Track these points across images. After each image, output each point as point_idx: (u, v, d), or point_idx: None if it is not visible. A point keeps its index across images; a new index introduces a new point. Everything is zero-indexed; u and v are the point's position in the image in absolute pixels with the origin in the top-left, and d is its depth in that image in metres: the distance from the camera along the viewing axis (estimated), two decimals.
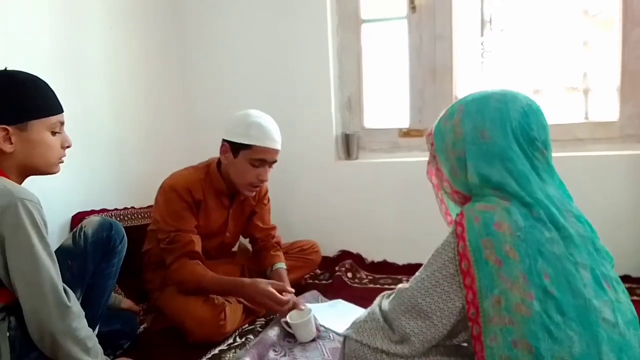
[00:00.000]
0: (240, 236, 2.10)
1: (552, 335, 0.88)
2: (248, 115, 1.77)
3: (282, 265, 1.97)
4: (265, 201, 2.05)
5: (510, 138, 1.00)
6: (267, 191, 2.05)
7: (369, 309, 1.14)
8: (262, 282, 1.69)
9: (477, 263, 0.94)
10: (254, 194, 1.90)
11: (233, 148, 1.75)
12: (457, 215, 1.01)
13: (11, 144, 1.18)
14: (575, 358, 0.87)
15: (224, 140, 1.78)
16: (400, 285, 1.09)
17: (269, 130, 1.76)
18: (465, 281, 0.96)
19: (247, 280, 1.74)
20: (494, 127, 1.01)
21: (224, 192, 1.87)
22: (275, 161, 1.81)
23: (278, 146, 1.78)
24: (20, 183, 1.23)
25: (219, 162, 1.85)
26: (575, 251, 0.95)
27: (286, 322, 1.64)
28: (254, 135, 1.72)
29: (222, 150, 1.79)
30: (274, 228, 2.07)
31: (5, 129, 1.17)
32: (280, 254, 2.03)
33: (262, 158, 1.75)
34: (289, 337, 1.63)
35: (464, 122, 1.05)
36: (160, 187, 1.82)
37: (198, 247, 1.75)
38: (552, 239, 0.95)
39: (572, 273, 0.93)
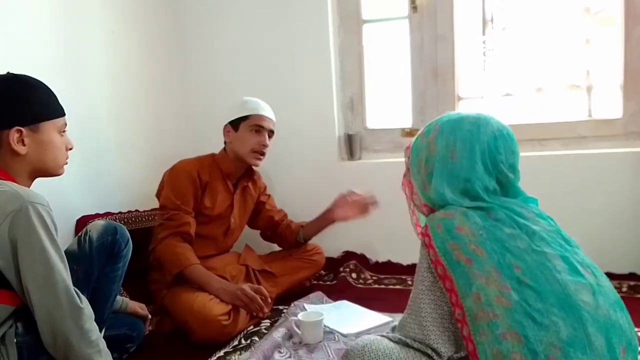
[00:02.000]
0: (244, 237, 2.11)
1: (537, 321, 0.91)
2: (241, 98, 2.01)
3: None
4: (267, 194, 2.20)
5: (475, 160, 1.08)
6: (265, 187, 2.19)
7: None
8: (242, 287, 1.74)
9: (450, 265, 1.00)
10: (259, 163, 1.99)
11: (233, 126, 1.95)
12: (423, 227, 1.09)
13: (24, 145, 1.20)
14: (564, 342, 0.90)
15: (225, 126, 1.97)
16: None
17: (262, 103, 1.99)
18: (445, 285, 1.01)
19: (228, 283, 1.79)
20: (463, 148, 1.09)
21: (230, 176, 1.99)
22: (273, 131, 2.00)
23: (272, 117, 2.00)
24: (29, 186, 1.24)
25: (224, 149, 2.01)
26: (542, 244, 1.01)
27: (296, 321, 1.64)
28: (249, 107, 1.96)
29: (225, 133, 1.98)
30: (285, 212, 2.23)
31: (20, 131, 1.19)
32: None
33: (260, 124, 1.94)
34: (294, 338, 1.64)
35: (437, 140, 1.13)
36: (167, 171, 1.93)
37: (192, 229, 1.85)
38: (513, 234, 1.01)
39: (543, 263, 0.98)
